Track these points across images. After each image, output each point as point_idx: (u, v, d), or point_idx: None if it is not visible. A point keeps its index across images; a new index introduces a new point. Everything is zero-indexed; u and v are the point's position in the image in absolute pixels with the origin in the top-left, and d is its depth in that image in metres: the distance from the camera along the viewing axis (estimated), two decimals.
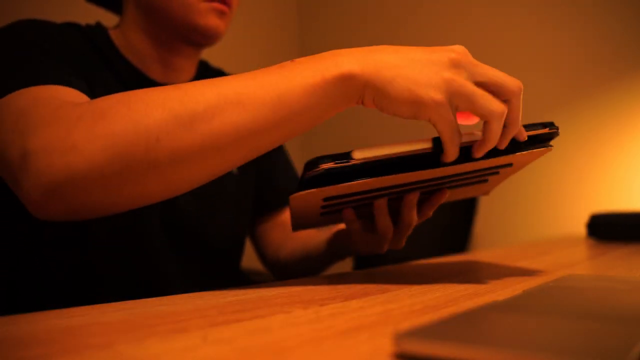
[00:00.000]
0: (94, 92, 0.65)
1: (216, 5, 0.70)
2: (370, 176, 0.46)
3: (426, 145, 0.45)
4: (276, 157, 0.92)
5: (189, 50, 0.76)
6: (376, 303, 0.39)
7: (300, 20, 2.34)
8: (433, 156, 0.46)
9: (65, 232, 0.65)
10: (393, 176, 0.46)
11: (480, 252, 0.96)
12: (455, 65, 0.44)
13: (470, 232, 1.51)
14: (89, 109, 0.43)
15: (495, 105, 0.44)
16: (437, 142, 0.45)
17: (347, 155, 0.44)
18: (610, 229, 1.00)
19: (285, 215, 0.91)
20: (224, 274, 0.80)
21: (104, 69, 0.70)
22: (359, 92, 0.45)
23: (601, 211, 1.05)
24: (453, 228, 1.53)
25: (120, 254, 0.67)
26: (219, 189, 0.78)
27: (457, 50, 0.45)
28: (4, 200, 0.64)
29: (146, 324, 0.32)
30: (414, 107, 0.44)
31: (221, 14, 0.70)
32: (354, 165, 0.44)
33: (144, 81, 0.73)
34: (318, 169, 0.44)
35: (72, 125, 0.42)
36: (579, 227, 1.56)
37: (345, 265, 1.79)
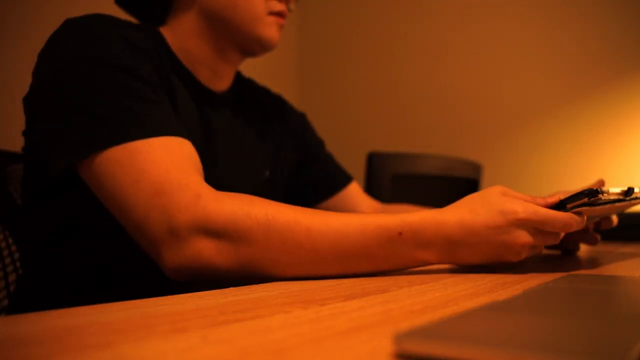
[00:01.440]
0: (172, 100, 0.68)
1: (280, 20, 0.75)
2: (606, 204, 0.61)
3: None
4: (317, 149, 1.00)
5: (238, 58, 0.80)
6: (376, 303, 0.39)
7: (301, 19, 2.34)
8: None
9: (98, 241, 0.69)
10: (610, 206, 0.62)
11: None
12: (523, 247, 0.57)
13: None
14: (231, 224, 0.53)
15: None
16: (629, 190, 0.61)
17: (598, 192, 0.57)
18: (610, 228, 1.00)
19: (343, 194, 0.99)
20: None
21: (171, 75, 0.72)
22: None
23: None
24: None
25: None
26: (252, 191, 0.80)
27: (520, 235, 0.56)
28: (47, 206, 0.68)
29: (146, 324, 0.32)
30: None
31: (281, 27, 0.76)
32: (602, 199, 0.57)
33: (196, 86, 0.75)
34: (587, 199, 0.58)
35: (217, 234, 0.53)
36: None
37: None
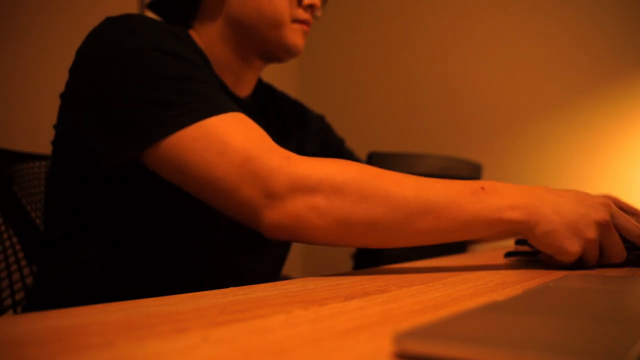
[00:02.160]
0: None
1: (305, 27, 0.76)
2: None
3: None
4: (339, 148, 1.02)
5: (261, 64, 0.81)
6: (376, 303, 0.39)
7: None
8: None
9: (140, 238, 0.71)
10: None
11: (480, 252, 0.96)
12: (599, 224, 0.57)
13: None
14: (325, 181, 0.56)
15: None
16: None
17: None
18: None
19: None
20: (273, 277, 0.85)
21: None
22: (518, 231, 0.59)
23: None
24: None
25: (183, 261, 0.74)
26: None
27: (604, 210, 0.57)
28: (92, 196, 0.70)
29: (146, 324, 0.32)
30: (555, 252, 0.58)
31: (306, 34, 0.77)
32: None
33: (223, 89, 0.75)
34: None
35: (312, 191, 0.55)
36: None
37: (345, 265, 1.79)
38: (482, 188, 0.57)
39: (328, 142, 0.99)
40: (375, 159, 1.18)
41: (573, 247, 0.56)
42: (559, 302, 0.35)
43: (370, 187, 0.56)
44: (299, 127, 0.94)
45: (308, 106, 1.01)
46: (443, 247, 1.40)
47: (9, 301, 0.82)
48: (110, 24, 0.65)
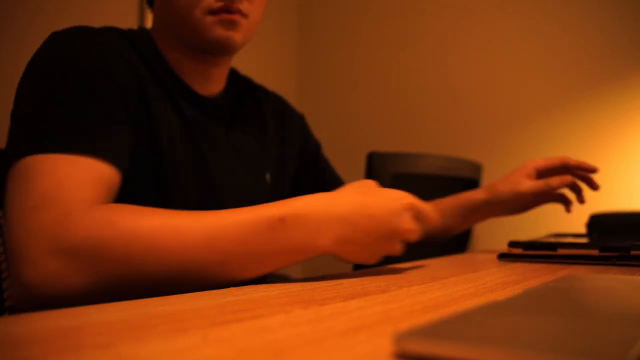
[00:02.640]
0: (146, 105, 0.67)
1: (223, 16, 0.69)
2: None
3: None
4: (316, 153, 0.98)
5: (218, 60, 0.76)
6: (376, 303, 0.39)
7: (300, 19, 2.34)
8: None
9: None
10: None
11: (480, 252, 0.96)
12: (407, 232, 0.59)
13: (470, 232, 1.51)
14: (91, 243, 0.49)
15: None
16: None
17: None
18: (610, 228, 1.00)
19: None
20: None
21: (153, 81, 0.70)
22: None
23: (601, 211, 1.04)
24: None
25: None
26: (253, 197, 0.79)
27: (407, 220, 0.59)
28: None
29: (146, 324, 0.32)
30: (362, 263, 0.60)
31: (230, 24, 0.70)
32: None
33: (188, 94, 0.74)
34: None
35: (72, 255, 0.48)
36: (579, 227, 1.56)
37: (345, 265, 1.79)
38: (282, 220, 0.52)
39: (307, 148, 0.96)
40: (375, 159, 1.18)
41: (373, 259, 0.59)
42: (559, 302, 0.35)
43: (145, 242, 0.49)
44: (279, 127, 0.90)
45: (289, 102, 0.97)
46: (443, 247, 1.40)
47: (9, 301, 0.82)
48: (48, 38, 0.64)
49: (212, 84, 0.78)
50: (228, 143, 0.78)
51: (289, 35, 2.33)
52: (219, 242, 0.50)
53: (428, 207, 0.62)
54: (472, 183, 1.47)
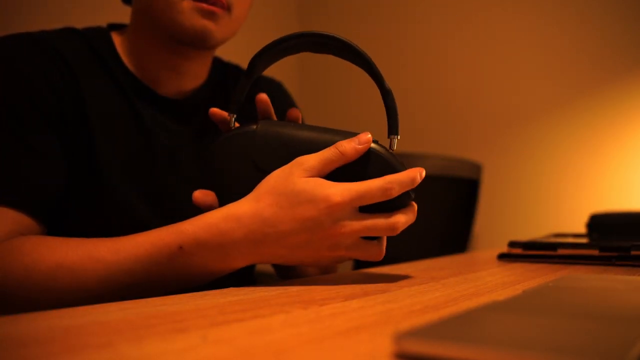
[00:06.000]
0: (91, 97, 0.66)
1: (202, 5, 0.66)
2: None
3: None
4: None
5: (195, 53, 0.72)
6: (376, 303, 0.39)
7: (300, 19, 2.35)
8: None
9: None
10: None
11: (480, 252, 0.96)
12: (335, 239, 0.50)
13: (470, 232, 1.51)
14: None
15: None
16: None
17: None
18: (610, 228, 1.00)
19: None
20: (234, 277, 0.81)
21: (102, 76, 0.69)
22: None
23: (601, 211, 1.04)
24: (453, 228, 1.53)
25: None
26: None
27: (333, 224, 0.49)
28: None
29: (146, 324, 0.32)
30: None
31: (210, 14, 0.66)
32: None
33: (141, 89, 0.71)
34: None
35: None
36: (579, 227, 1.56)
37: (346, 265, 1.79)
38: (180, 248, 0.49)
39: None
40: None
41: (321, 262, 0.53)
42: (559, 302, 0.35)
43: (41, 288, 0.49)
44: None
45: (283, 87, 0.92)
46: (443, 247, 1.40)
47: None
48: None
49: (187, 80, 0.74)
50: (189, 146, 0.74)
51: (290, 32, 2.33)
52: (119, 278, 0.49)
53: (380, 182, 0.50)
54: (472, 183, 1.47)
